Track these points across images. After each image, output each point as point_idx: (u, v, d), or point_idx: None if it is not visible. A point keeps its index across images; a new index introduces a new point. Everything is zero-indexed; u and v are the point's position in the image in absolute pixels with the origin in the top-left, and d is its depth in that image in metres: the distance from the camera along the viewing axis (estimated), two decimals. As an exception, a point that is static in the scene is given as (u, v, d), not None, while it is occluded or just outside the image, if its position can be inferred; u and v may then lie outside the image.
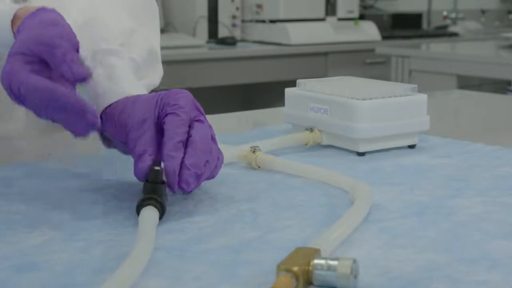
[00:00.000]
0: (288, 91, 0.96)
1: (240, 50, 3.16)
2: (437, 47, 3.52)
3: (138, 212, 0.61)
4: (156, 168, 0.63)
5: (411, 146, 0.90)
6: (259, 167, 0.80)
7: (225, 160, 0.82)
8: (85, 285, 0.49)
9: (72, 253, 0.55)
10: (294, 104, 0.95)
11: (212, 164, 0.66)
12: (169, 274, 0.51)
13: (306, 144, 0.89)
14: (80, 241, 0.58)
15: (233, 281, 0.50)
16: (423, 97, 0.90)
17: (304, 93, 0.93)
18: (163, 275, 0.51)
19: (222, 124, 1.17)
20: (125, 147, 0.69)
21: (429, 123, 0.90)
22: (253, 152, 0.81)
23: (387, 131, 0.87)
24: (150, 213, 0.60)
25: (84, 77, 0.64)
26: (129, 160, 0.86)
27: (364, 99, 0.86)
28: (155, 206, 0.61)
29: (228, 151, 0.82)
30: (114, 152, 0.89)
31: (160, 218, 0.61)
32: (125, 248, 0.55)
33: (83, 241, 0.58)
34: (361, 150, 0.86)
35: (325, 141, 0.90)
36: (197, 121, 0.67)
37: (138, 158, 0.65)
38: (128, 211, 0.64)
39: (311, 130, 0.89)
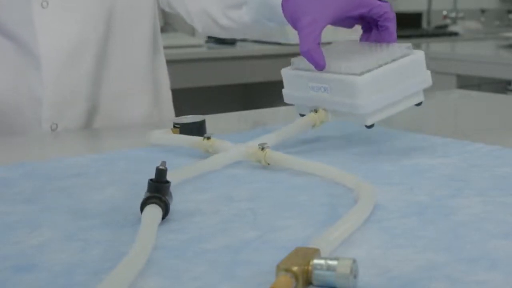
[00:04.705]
0: (284, 71, 0.92)
1: (239, 49, 3.16)
2: (437, 46, 3.52)
3: (142, 211, 0.61)
4: (161, 167, 0.63)
5: (418, 104, 0.87)
6: (268, 164, 0.80)
7: (233, 159, 0.81)
8: (85, 285, 0.49)
9: (71, 253, 0.55)
10: (293, 84, 0.90)
11: None
12: (168, 274, 0.51)
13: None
14: (79, 241, 0.58)
15: (233, 281, 0.50)
16: (421, 54, 0.87)
17: (301, 73, 0.89)
18: (162, 274, 0.51)
19: (221, 124, 1.17)
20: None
21: (431, 79, 0.87)
22: (262, 149, 0.80)
23: (391, 98, 0.84)
24: (153, 210, 0.60)
25: None
26: (129, 160, 0.86)
27: (362, 73, 0.82)
28: (159, 205, 0.61)
29: (235, 150, 0.81)
30: (115, 153, 0.89)
31: (164, 217, 0.61)
32: (125, 248, 0.55)
33: (82, 241, 0.58)
34: (369, 123, 0.84)
35: (332, 119, 0.87)
36: None
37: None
38: (127, 211, 0.64)
39: (316, 111, 0.87)
